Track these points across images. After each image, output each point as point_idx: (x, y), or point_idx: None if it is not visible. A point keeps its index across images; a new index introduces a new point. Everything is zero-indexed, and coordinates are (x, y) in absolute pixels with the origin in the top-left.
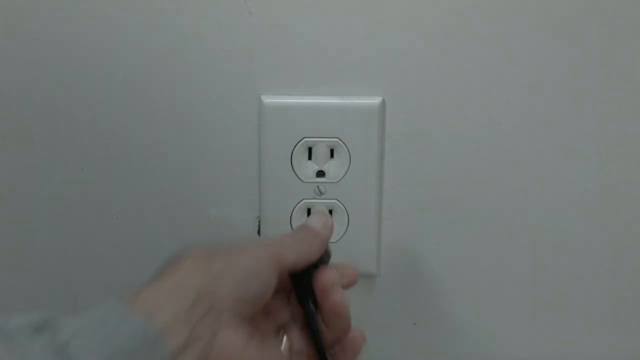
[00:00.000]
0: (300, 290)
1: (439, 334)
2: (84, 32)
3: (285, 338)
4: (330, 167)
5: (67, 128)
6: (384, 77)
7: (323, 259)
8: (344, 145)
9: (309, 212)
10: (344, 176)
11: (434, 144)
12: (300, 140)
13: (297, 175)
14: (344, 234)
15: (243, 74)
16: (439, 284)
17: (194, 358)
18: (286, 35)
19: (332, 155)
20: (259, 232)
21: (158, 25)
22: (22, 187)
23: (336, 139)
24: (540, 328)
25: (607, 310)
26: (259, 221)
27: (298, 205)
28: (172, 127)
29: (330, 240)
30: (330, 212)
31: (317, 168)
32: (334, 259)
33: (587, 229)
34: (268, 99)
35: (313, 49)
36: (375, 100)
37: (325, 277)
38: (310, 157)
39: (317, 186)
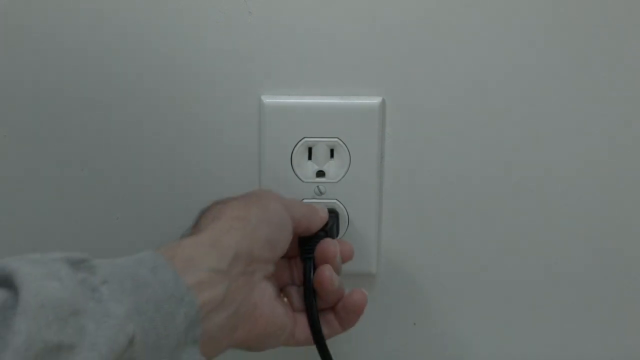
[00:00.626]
0: (307, 249)
1: (439, 334)
2: (84, 32)
3: (285, 299)
4: (330, 167)
5: (67, 128)
6: (384, 77)
7: (331, 221)
8: (344, 145)
9: None
10: (344, 176)
11: (434, 144)
12: (300, 140)
13: (297, 175)
14: (344, 234)
15: (243, 74)
16: (439, 284)
17: (229, 314)
18: (286, 35)
19: (332, 155)
20: None
21: (158, 25)
22: (22, 187)
23: (336, 139)
24: (540, 328)
25: (607, 310)
26: None
27: None
28: (172, 127)
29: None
30: None
31: (317, 168)
32: None
33: (588, 228)
34: (268, 99)
35: (313, 49)
36: (375, 100)
37: (327, 248)
38: (310, 157)
39: (317, 186)
